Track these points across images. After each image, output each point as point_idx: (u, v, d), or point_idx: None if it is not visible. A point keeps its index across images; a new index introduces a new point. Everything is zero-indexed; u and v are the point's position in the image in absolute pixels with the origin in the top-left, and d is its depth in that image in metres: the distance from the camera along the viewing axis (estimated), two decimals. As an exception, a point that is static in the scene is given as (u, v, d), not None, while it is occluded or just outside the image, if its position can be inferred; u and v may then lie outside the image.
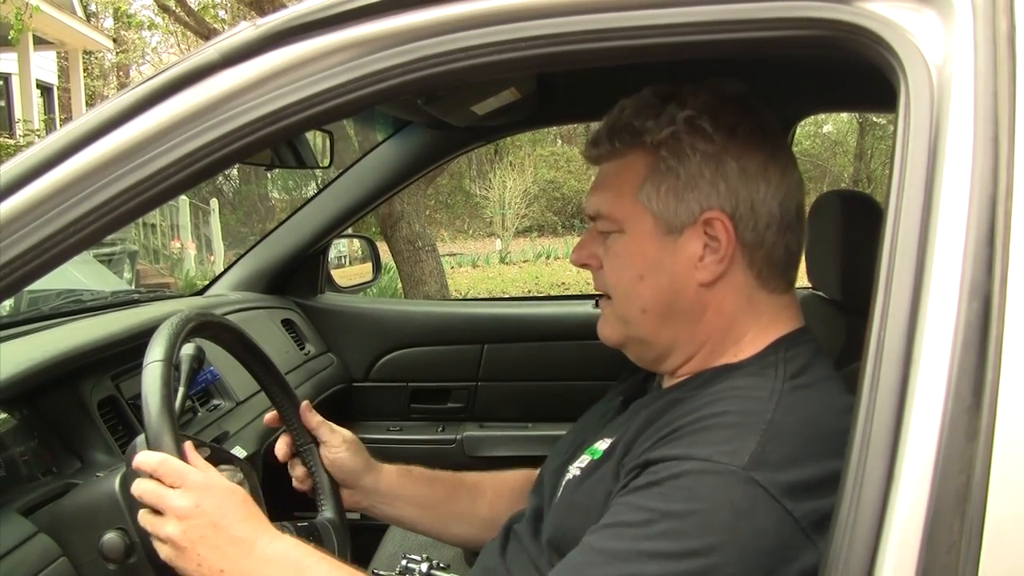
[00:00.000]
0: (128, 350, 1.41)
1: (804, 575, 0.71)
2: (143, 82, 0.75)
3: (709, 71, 0.90)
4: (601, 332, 0.95)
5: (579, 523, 0.82)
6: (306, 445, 1.12)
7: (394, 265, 5.59)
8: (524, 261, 13.96)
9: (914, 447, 0.58)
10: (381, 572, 1.36)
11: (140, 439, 0.92)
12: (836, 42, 0.66)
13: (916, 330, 0.59)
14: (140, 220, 9.99)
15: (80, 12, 14.25)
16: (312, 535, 1.03)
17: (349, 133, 8.48)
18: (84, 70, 15.61)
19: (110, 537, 0.92)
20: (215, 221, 12.21)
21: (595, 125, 0.97)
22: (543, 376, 2.17)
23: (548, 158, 17.00)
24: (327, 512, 1.11)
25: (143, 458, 0.87)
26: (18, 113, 12.50)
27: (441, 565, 1.27)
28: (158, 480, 0.86)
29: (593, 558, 0.76)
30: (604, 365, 1.21)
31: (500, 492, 1.19)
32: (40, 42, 12.57)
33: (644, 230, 0.87)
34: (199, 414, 1.56)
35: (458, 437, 2.12)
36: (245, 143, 0.73)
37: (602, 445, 0.91)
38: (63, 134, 0.75)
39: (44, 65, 13.99)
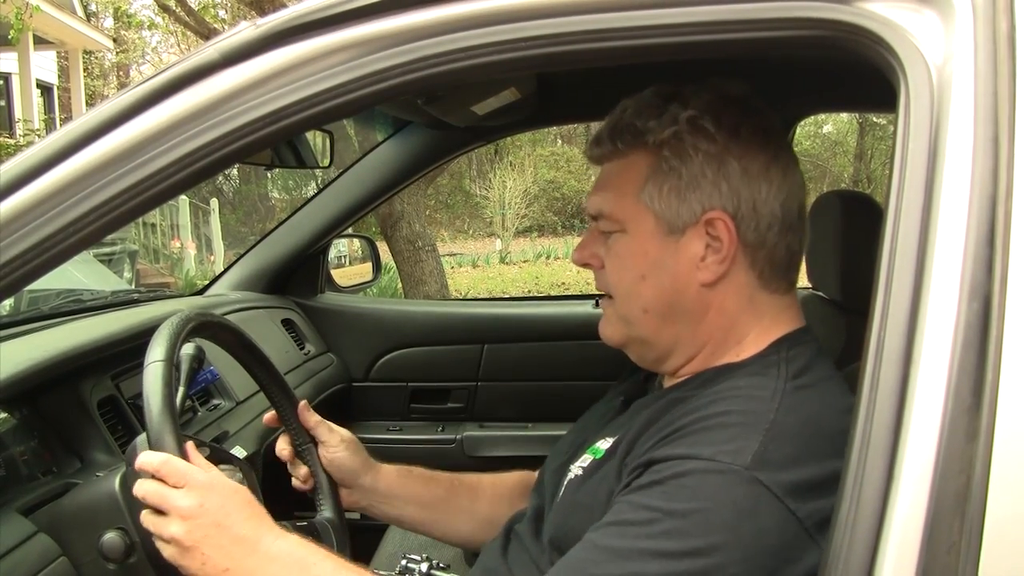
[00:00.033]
0: (128, 350, 1.41)
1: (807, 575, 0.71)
2: (143, 82, 0.75)
3: (709, 71, 0.90)
4: (603, 332, 0.95)
5: (581, 522, 0.82)
6: (304, 445, 1.12)
7: (394, 265, 5.59)
8: (524, 261, 13.96)
9: (914, 447, 0.58)
10: (381, 572, 1.35)
11: (141, 439, 0.92)
12: (836, 42, 0.66)
13: (916, 330, 0.59)
14: (140, 220, 9.99)
15: (80, 12, 14.25)
16: (311, 535, 1.03)
17: (349, 133, 8.49)
18: (84, 70, 15.61)
19: (110, 537, 0.92)
20: (215, 221, 12.21)
21: (595, 125, 0.97)
22: (543, 376, 2.17)
23: (548, 158, 17.00)
24: (326, 512, 1.11)
25: (145, 458, 0.87)
26: (18, 113, 12.50)
27: (441, 565, 1.27)
28: (161, 480, 0.86)
29: (595, 555, 0.76)
30: (604, 365, 1.21)
31: (499, 492, 1.19)
32: (40, 42, 12.57)
33: (646, 230, 0.87)
34: (199, 414, 1.56)
35: (458, 437, 2.12)
36: (245, 143, 0.73)
37: (604, 444, 0.92)
38: (63, 134, 0.75)
39: (44, 65, 13.99)
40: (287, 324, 2.09)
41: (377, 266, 2.51)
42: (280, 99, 0.72)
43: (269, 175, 14.39)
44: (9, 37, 9.27)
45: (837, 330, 1.39)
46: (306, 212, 2.15)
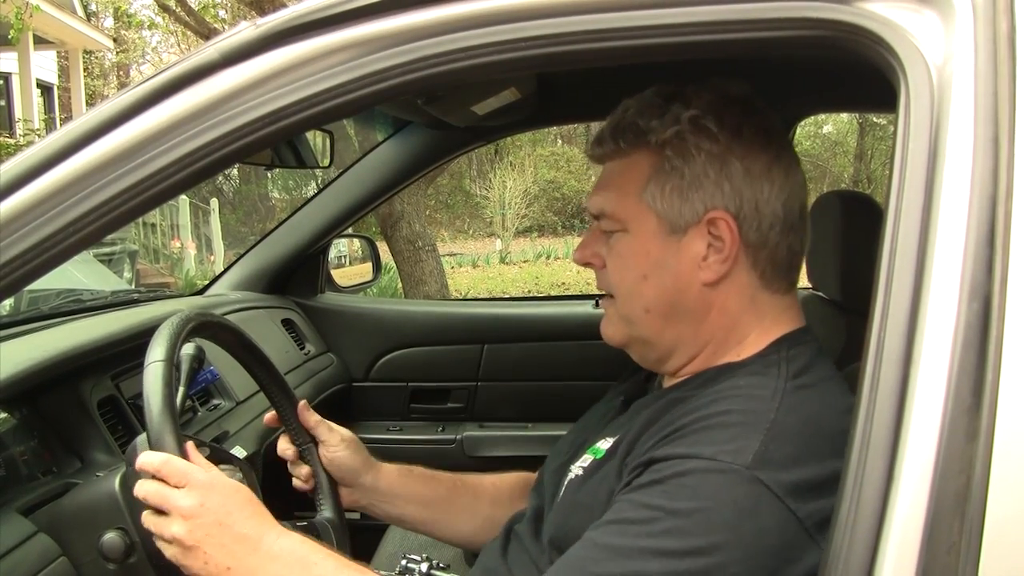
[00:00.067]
0: (128, 350, 1.41)
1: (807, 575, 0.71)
2: (143, 82, 0.75)
3: (710, 71, 0.90)
4: (604, 332, 0.95)
5: (581, 522, 0.82)
6: (305, 444, 1.12)
7: (394, 265, 5.59)
8: (524, 261, 13.96)
9: (914, 447, 0.58)
10: (381, 572, 1.35)
11: (141, 439, 0.92)
12: (836, 42, 0.66)
13: (916, 330, 0.59)
14: (140, 220, 9.99)
15: (80, 12, 14.25)
16: (311, 535, 1.03)
17: (349, 133, 8.49)
18: (84, 70, 15.61)
19: (110, 537, 0.92)
20: (215, 221, 12.21)
21: (596, 125, 0.97)
22: (543, 376, 2.17)
23: (548, 158, 17.00)
24: (326, 512, 1.11)
25: (146, 459, 0.87)
26: (18, 113, 12.50)
27: (441, 565, 1.27)
28: (161, 481, 0.86)
29: (595, 554, 0.76)
30: (604, 365, 1.21)
31: (500, 493, 1.19)
32: (40, 42, 12.57)
33: (648, 230, 0.87)
34: (199, 414, 1.55)
35: (458, 437, 2.12)
36: (245, 143, 0.73)
37: (604, 444, 0.92)
38: (63, 134, 0.75)
39: (44, 65, 13.99)
40: (287, 324, 2.09)
41: (377, 266, 2.51)
42: (280, 99, 0.72)
43: (269, 175, 14.39)
44: (9, 37, 9.27)
45: (837, 330, 1.39)
46: (306, 212, 2.15)
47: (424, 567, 1.24)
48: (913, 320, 0.60)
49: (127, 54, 19.54)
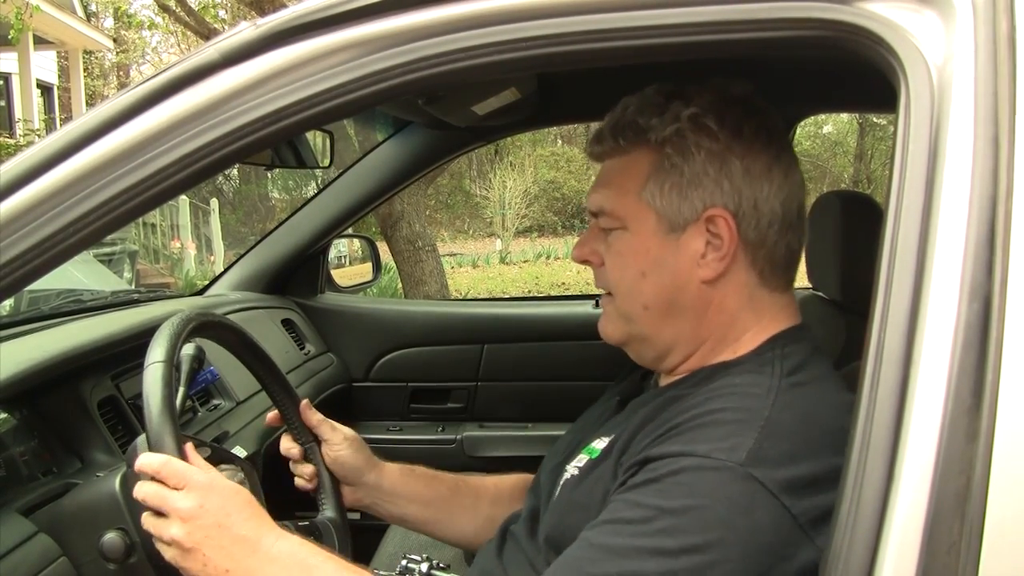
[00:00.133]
0: (128, 350, 1.41)
1: (802, 572, 0.71)
2: (143, 82, 0.75)
3: (710, 71, 0.90)
4: (603, 330, 0.95)
5: (577, 522, 0.82)
6: (307, 444, 1.12)
7: (394, 265, 5.59)
8: (524, 261, 13.96)
9: (914, 447, 0.58)
10: (381, 572, 1.35)
11: (141, 440, 0.92)
12: (837, 42, 0.66)
13: (916, 331, 0.59)
14: (140, 220, 9.99)
15: (80, 12, 14.25)
16: (313, 534, 1.03)
17: (349, 133, 8.48)
18: (84, 70, 15.61)
19: (110, 537, 0.93)
20: (215, 221, 12.21)
21: (596, 125, 0.97)
22: (543, 376, 2.17)
23: (548, 158, 17.00)
24: (328, 511, 1.11)
25: (145, 460, 0.87)
26: (18, 113, 12.51)
27: (441, 565, 1.27)
28: (161, 482, 0.86)
29: (591, 554, 0.76)
30: (604, 365, 1.21)
31: (501, 493, 1.19)
32: (40, 42, 12.57)
33: (647, 227, 0.87)
34: (199, 414, 1.56)
35: (458, 437, 2.13)
36: (245, 143, 0.73)
37: (600, 444, 0.92)
38: (63, 134, 0.75)
39: (44, 65, 13.99)
40: (287, 324, 2.09)
41: (377, 266, 2.51)
42: (280, 99, 0.72)
43: (269, 175, 14.40)
44: (9, 37, 9.27)
45: (837, 330, 1.39)
46: (306, 212, 2.15)
47: (424, 567, 1.24)
48: (913, 320, 0.60)
49: (127, 54, 19.54)
